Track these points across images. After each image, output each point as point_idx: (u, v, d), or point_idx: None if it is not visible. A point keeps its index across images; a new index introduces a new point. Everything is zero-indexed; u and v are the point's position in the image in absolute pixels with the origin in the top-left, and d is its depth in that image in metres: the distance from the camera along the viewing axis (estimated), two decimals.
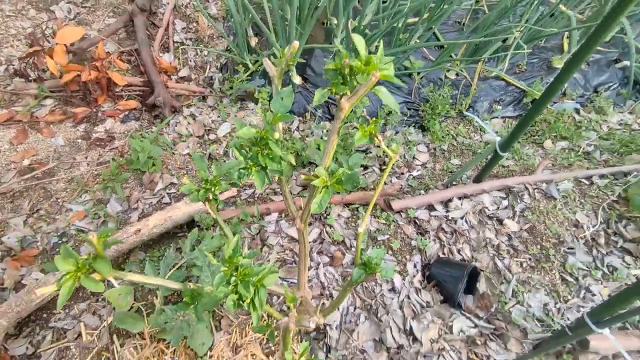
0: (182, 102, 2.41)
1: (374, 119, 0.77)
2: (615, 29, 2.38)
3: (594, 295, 1.49)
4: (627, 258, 1.61)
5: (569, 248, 1.63)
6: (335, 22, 2.11)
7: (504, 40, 2.54)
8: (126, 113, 2.28)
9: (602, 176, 1.93)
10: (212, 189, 0.96)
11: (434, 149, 2.21)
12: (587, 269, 1.58)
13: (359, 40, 0.65)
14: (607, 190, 1.86)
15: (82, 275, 0.72)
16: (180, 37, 2.84)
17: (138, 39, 2.51)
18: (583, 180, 1.91)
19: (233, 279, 0.69)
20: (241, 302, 0.70)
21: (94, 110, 2.23)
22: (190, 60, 2.66)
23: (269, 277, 0.73)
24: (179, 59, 2.69)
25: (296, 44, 0.76)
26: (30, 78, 2.27)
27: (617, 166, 1.99)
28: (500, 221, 1.70)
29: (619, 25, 2.63)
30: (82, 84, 2.20)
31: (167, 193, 1.87)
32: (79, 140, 2.05)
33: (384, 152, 2.12)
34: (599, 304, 1.21)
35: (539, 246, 1.63)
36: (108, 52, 2.50)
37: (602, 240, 1.65)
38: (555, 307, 1.47)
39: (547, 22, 2.38)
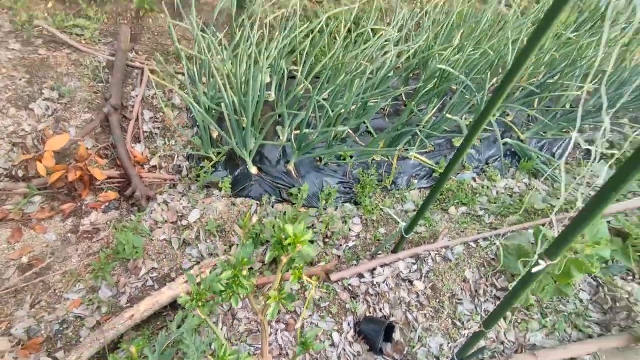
0: (155, 190, 2.84)
1: (301, 265, 1.30)
2: (487, 119, 3.16)
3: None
4: (498, 303, 2.25)
5: (458, 300, 2.24)
6: (281, 137, 2.71)
7: (418, 125, 3.28)
8: (107, 204, 2.67)
9: (485, 239, 2.62)
10: (201, 298, 1.43)
11: (366, 220, 2.81)
12: (470, 314, 2.19)
13: (289, 228, 1.19)
14: (487, 250, 2.54)
15: None
16: (149, 127, 3.29)
17: (114, 136, 2.93)
18: (471, 243, 2.57)
19: None
20: None
21: (79, 204, 2.60)
22: (160, 150, 3.11)
23: None
24: (149, 148, 3.14)
25: (255, 218, 1.28)
26: (19, 178, 2.60)
27: (497, 230, 2.69)
28: (411, 282, 2.30)
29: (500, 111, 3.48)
30: (69, 183, 2.58)
31: (150, 277, 2.27)
32: (69, 235, 2.41)
33: (327, 226, 2.67)
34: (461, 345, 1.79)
35: (438, 300, 2.23)
36: (87, 148, 2.89)
37: (481, 291, 2.29)
38: (447, 346, 2.05)
39: (443, 119, 3.13)
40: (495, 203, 3.07)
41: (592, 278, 2.42)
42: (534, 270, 1.07)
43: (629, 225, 2.46)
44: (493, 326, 1.48)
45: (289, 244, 1.19)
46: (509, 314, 2.21)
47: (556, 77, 3.51)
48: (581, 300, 2.33)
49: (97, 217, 2.56)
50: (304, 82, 2.53)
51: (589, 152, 3.63)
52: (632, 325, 2.14)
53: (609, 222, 2.72)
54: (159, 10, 4.20)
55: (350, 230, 2.69)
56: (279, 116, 3.04)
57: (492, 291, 2.30)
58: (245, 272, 1.29)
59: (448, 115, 2.84)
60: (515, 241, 2.35)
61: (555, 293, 2.20)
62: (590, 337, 2.17)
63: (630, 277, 2.45)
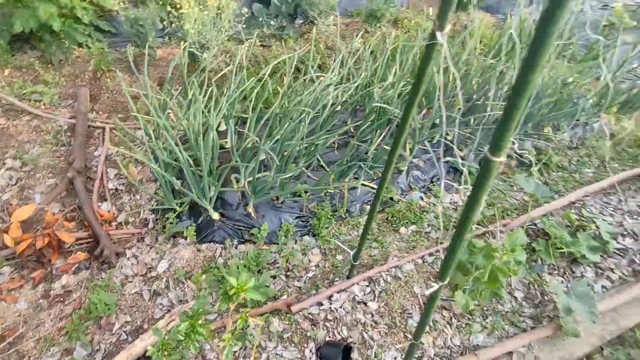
0: (124, 245, 2.99)
1: (247, 310, 1.53)
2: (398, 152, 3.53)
3: (424, 344, 2.35)
4: (445, 312, 2.52)
5: (408, 314, 2.50)
6: (235, 185, 2.96)
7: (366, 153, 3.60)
8: (77, 265, 2.80)
9: (430, 254, 2.91)
10: (167, 348, 1.63)
11: (325, 249, 3.05)
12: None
13: (232, 280, 1.42)
14: (433, 264, 2.82)
15: None
16: (114, 184, 3.46)
17: (80, 198, 3.09)
18: (418, 260, 2.86)
19: None
20: None
21: (49, 269, 2.72)
22: (126, 206, 3.28)
23: None
24: (115, 205, 3.29)
25: (221, 260, 1.50)
26: None
27: (442, 244, 2.99)
28: (365, 304, 2.54)
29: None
30: (37, 250, 2.70)
31: (124, 331, 2.41)
32: (41, 300, 2.53)
33: (287, 260, 2.89)
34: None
35: (390, 317, 2.48)
36: (54, 213, 3.02)
37: None
38: (401, 358, 2.29)
39: (382, 151, 3.46)
40: (439, 218, 3.38)
41: (523, 277, 2.74)
42: (427, 292, 1.33)
43: (549, 227, 2.81)
44: (420, 337, 1.74)
45: (234, 294, 1.42)
46: (453, 320, 2.49)
47: (482, 99, 3.95)
48: (516, 299, 2.64)
49: (68, 280, 2.68)
50: (251, 136, 2.80)
51: (521, 161, 4.04)
52: (558, 314, 2.45)
53: (535, 225, 3.09)
54: (116, 69, 4.41)
55: (309, 261, 2.92)
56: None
57: (438, 302, 2.57)
58: (201, 321, 1.50)
59: (384, 146, 3.17)
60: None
61: (492, 296, 2.49)
62: (525, 330, 2.46)
63: (556, 272, 2.79)
